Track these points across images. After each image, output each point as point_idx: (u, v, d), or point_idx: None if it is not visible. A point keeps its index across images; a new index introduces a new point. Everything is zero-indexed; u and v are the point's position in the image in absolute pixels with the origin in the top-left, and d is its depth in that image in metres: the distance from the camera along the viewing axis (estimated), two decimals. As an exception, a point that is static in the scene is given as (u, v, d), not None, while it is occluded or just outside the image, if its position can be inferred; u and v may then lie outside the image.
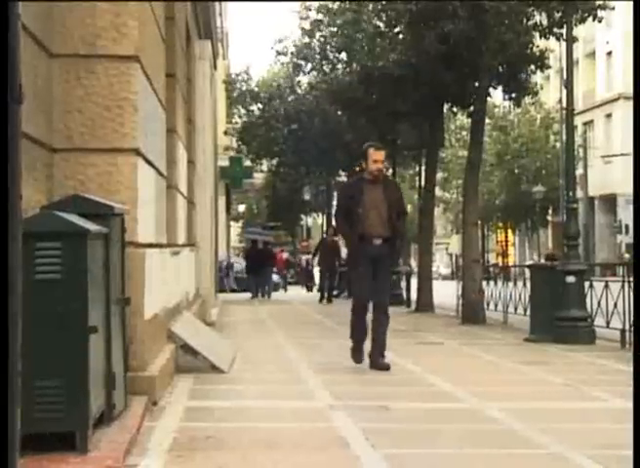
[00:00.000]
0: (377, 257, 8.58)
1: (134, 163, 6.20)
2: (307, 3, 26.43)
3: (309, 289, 39.05)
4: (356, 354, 8.83)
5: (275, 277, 40.65)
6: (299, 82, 29.69)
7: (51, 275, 4.41)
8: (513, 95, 18.30)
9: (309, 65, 27.19)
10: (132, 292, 5.80)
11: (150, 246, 6.79)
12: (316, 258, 29.86)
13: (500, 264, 42.17)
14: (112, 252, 5.16)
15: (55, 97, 6.03)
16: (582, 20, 16.15)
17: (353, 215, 8.65)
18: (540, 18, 16.57)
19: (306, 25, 26.40)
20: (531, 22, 16.59)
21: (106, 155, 6.13)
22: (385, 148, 9.03)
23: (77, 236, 4.48)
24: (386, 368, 8.42)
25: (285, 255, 46.01)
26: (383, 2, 18.81)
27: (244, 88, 31.04)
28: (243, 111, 31.70)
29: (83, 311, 4.45)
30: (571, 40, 13.58)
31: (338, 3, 23.72)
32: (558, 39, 16.48)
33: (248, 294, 29.59)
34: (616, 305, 11.84)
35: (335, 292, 30.77)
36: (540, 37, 16.86)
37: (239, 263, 34.83)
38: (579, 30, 16.42)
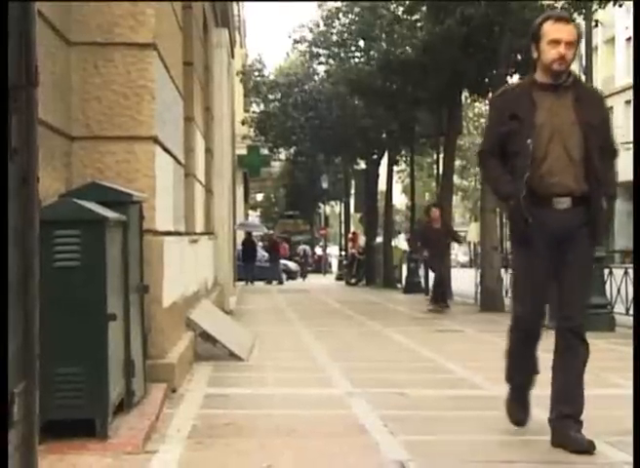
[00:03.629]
0: (563, 234, 4.72)
1: (151, 151, 6.20)
2: None
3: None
4: (515, 407, 5.12)
5: (293, 265, 40.93)
6: (315, 70, 29.66)
7: (70, 262, 4.42)
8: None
9: (327, 53, 27.12)
10: (150, 280, 5.81)
11: (168, 234, 6.79)
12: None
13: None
14: (131, 239, 5.17)
15: (73, 85, 6.04)
16: (601, 3, 16.02)
17: (518, 153, 4.73)
18: (563, 2, 16.49)
19: (324, 13, 26.33)
20: (551, 2, 16.50)
21: (124, 143, 6.14)
22: (575, 22, 5.01)
23: (96, 223, 4.49)
24: (586, 449, 4.54)
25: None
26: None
27: (258, 78, 31.07)
28: (259, 100, 31.71)
29: (102, 298, 4.47)
30: (590, 24, 13.48)
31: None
32: (585, 18, 16.35)
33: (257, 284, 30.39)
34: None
35: (352, 280, 30.90)
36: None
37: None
38: (598, 16, 16.27)
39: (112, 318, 4.54)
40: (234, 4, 21.17)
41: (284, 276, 37.17)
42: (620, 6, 16.65)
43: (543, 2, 16.42)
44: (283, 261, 39.25)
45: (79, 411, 4.41)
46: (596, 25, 14.00)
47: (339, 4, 25.66)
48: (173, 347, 6.71)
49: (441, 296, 16.06)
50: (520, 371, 5.13)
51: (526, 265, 4.83)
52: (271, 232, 40.67)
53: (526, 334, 5.02)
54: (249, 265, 32.12)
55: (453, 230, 17.72)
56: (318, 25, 26.63)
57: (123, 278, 4.97)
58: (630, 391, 6.57)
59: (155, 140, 6.24)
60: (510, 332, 5.12)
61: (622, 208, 52.76)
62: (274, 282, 32.45)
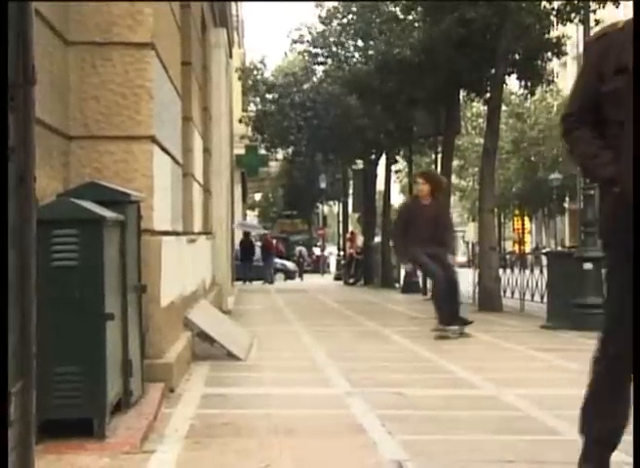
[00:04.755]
0: None
1: (149, 150, 6.20)
2: None
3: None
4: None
5: (291, 265, 40.97)
6: (314, 70, 29.67)
7: (67, 262, 4.42)
8: (529, 82, 18.23)
9: (325, 53, 27.14)
10: (148, 280, 5.81)
11: (166, 233, 6.79)
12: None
13: (517, 252, 42.10)
14: (128, 239, 5.17)
15: (71, 84, 6.03)
16: (600, 3, 16.03)
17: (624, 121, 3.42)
18: (560, 3, 16.50)
19: (323, 13, 26.34)
20: (550, 6, 16.53)
21: (122, 143, 6.13)
22: None
23: (93, 223, 4.49)
24: None
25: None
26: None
27: (258, 77, 31.12)
28: (258, 100, 31.73)
29: (99, 298, 4.46)
30: (588, 25, 13.49)
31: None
32: (582, 22, 16.35)
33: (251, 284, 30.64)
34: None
35: (351, 280, 30.91)
36: (559, 23, 16.78)
37: None
38: (597, 15, 16.29)
39: (110, 317, 4.54)
40: (232, 4, 21.17)
41: (282, 276, 37.22)
42: (617, 6, 16.68)
43: (540, 2, 16.42)
44: (281, 261, 39.30)
45: (77, 411, 4.40)
46: (597, 24, 14.00)
47: (336, 3, 25.65)
48: (170, 347, 6.70)
49: (446, 312, 10.65)
50: (603, 416, 3.71)
51: (627, 278, 3.48)
52: (265, 232, 40.59)
53: (616, 360, 3.67)
54: (247, 265, 32.28)
55: (449, 219, 11.73)
56: (319, 21, 26.65)
57: (121, 277, 4.96)
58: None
59: (153, 140, 6.23)
60: (595, 361, 3.80)
61: (620, 208, 52.87)
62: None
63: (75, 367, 4.40)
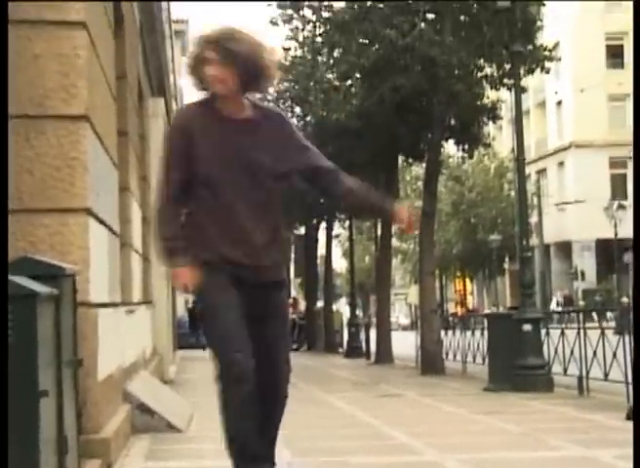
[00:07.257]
0: None
1: (85, 223, 6.16)
2: None
3: None
4: None
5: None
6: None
7: (0, 339, 4.34)
8: (466, 146, 18.56)
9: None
10: (85, 354, 5.73)
11: (104, 305, 6.72)
12: None
13: (459, 313, 42.34)
14: (64, 313, 5.10)
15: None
16: (531, 72, 16.48)
17: None
18: (491, 69, 16.90)
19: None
20: (481, 74, 16.91)
21: (57, 215, 6.09)
22: None
23: (26, 299, 4.42)
24: None
25: None
26: (336, 56, 19.11)
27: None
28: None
29: (33, 375, 4.38)
30: (519, 91, 13.83)
31: (290, 57, 24.01)
32: (509, 89, 16.76)
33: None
34: (572, 352, 11.91)
35: (294, 346, 30.84)
36: (491, 88, 17.18)
37: None
38: (528, 80, 16.75)
39: (44, 394, 4.45)
40: (170, 74, 21.27)
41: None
42: (548, 72, 17.16)
43: (471, 70, 16.81)
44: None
45: (10, 492, 4.29)
46: (523, 92, 14.39)
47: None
48: (108, 421, 6.59)
49: None
50: None
51: None
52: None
53: None
54: (195, 333, 31.95)
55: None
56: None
57: (55, 352, 4.88)
58: (569, 452, 6.61)
59: (89, 212, 6.20)
60: None
61: (559, 267, 53.58)
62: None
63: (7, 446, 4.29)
